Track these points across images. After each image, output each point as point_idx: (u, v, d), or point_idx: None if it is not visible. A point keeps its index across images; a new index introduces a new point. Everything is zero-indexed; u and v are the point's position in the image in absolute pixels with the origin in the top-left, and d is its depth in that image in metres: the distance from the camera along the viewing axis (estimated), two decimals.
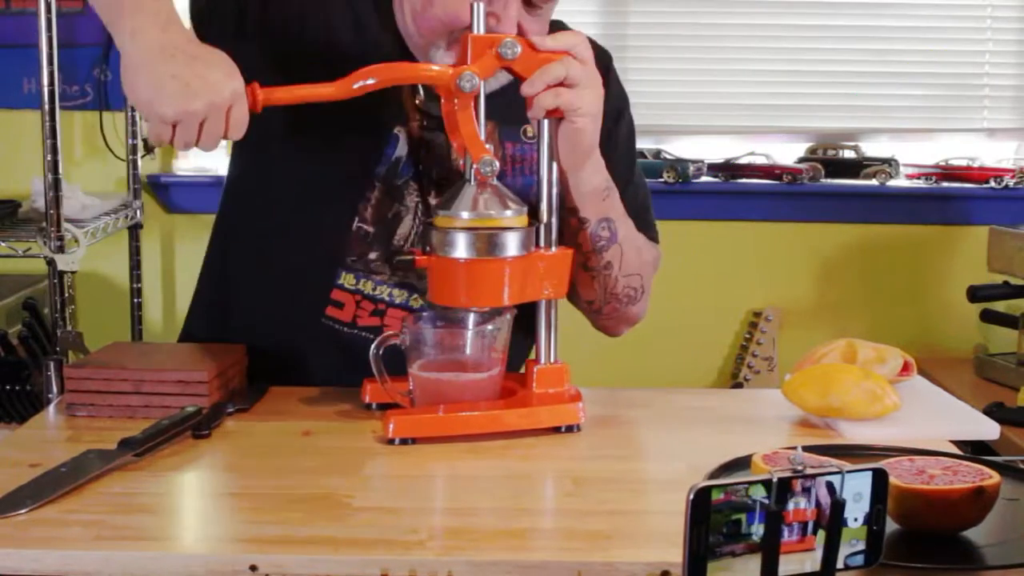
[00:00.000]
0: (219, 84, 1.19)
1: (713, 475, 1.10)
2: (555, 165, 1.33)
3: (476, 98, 1.29)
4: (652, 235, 1.59)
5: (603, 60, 1.49)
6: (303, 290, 1.47)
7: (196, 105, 1.17)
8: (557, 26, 1.50)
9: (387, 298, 1.46)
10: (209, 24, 1.41)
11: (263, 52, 1.40)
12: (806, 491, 0.82)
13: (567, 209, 1.39)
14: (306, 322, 1.47)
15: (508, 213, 1.28)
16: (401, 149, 1.46)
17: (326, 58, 1.39)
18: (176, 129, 1.19)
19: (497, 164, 1.28)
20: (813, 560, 0.83)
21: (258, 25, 1.43)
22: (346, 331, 1.47)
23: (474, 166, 1.28)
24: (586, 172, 1.38)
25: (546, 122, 1.32)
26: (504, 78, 1.42)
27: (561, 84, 1.29)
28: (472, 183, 1.29)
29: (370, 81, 1.27)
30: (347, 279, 1.47)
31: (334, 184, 1.31)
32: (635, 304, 1.52)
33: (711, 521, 0.79)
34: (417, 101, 1.46)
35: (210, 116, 1.19)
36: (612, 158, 1.45)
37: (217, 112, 1.19)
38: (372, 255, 1.46)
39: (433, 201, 1.45)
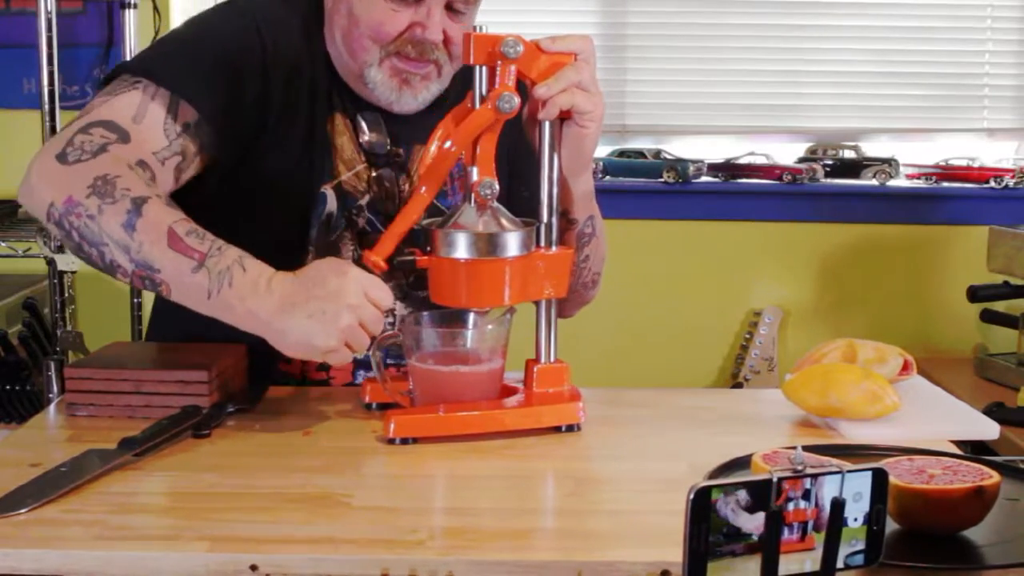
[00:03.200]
0: (342, 288, 1.21)
1: (713, 475, 1.10)
2: (556, 166, 1.33)
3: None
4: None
5: None
6: (255, 346, 1.35)
7: (344, 319, 1.20)
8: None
9: None
10: (230, 123, 1.40)
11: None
12: (806, 491, 0.82)
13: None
14: (262, 375, 1.47)
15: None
16: (330, 205, 1.48)
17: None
18: (349, 345, 1.22)
19: (497, 187, 1.29)
20: (813, 560, 0.83)
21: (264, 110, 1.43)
22: (292, 384, 1.51)
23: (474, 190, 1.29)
24: (585, 176, 1.41)
25: (547, 125, 1.32)
26: (431, 96, 1.48)
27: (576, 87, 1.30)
28: (471, 204, 1.30)
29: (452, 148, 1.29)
30: None
31: (267, 257, 1.25)
32: (596, 288, 1.58)
33: (711, 521, 0.79)
34: (363, 141, 1.48)
35: (358, 313, 1.21)
36: None
37: (361, 307, 1.21)
38: None
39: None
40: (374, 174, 1.50)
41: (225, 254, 1.23)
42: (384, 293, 1.24)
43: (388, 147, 1.50)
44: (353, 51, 1.45)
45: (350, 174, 1.49)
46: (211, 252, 1.23)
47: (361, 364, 1.32)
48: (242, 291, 1.22)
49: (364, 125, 1.49)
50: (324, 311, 1.20)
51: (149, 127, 1.34)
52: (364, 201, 1.50)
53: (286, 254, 1.34)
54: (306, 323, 1.20)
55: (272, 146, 1.44)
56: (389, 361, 1.44)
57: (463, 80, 1.51)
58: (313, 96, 1.46)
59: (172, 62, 1.40)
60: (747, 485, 0.80)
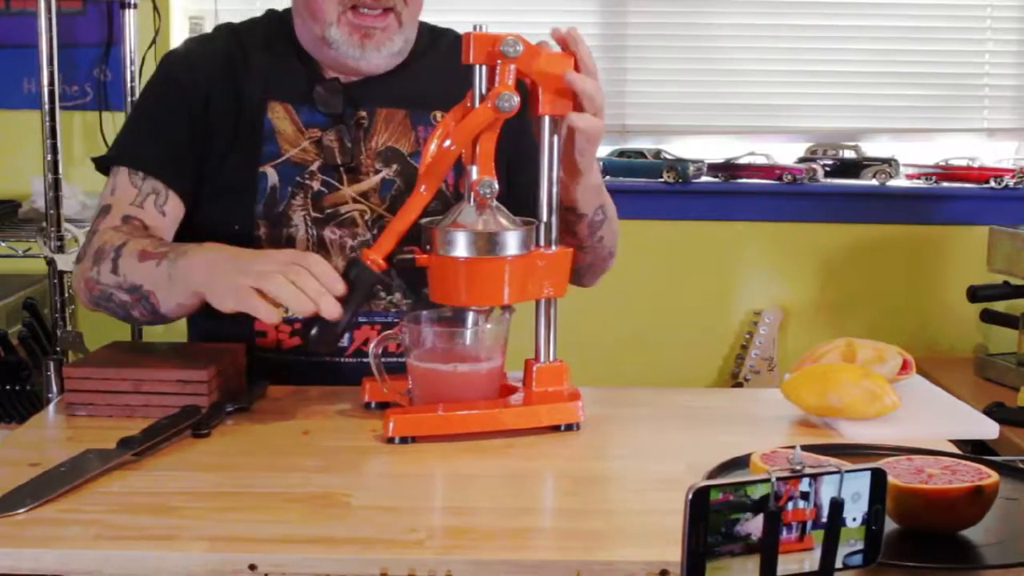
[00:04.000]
0: (273, 251, 1.35)
1: (712, 475, 1.10)
2: (555, 166, 1.33)
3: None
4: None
5: None
6: (231, 327, 1.50)
7: (261, 264, 1.28)
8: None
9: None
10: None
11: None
12: (805, 491, 0.82)
13: (565, 209, 1.41)
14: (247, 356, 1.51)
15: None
16: (272, 180, 1.56)
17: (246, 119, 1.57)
18: (261, 289, 1.26)
19: (496, 185, 1.29)
20: (812, 560, 0.83)
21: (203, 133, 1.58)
22: (273, 357, 1.55)
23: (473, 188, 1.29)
24: (593, 170, 1.44)
25: (547, 122, 1.32)
26: (396, 48, 1.56)
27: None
28: (471, 204, 1.30)
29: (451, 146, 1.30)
30: None
31: (225, 240, 1.40)
32: (612, 258, 1.63)
33: (710, 521, 0.79)
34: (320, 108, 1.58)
35: (283, 268, 1.26)
36: None
37: (287, 266, 1.27)
38: None
39: (350, 190, 1.58)
40: (318, 140, 1.57)
41: (185, 246, 1.40)
42: (313, 258, 1.28)
43: (342, 111, 1.57)
44: (314, 14, 1.54)
45: (296, 150, 1.57)
46: (172, 249, 1.40)
47: (347, 327, 1.32)
48: (190, 261, 1.36)
49: (323, 93, 1.57)
50: (248, 260, 1.31)
51: (122, 190, 1.55)
52: (315, 166, 1.57)
53: (239, 235, 1.52)
54: (232, 268, 1.30)
55: (214, 155, 1.57)
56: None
57: (430, 39, 1.65)
58: (240, 97, 1.57)
59: (120, 142, 1.64)
60: (746, 485, 0.80)
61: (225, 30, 1.67)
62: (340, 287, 1.27)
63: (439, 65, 1.62)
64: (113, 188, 1.56)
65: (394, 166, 1.59)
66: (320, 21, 1.54)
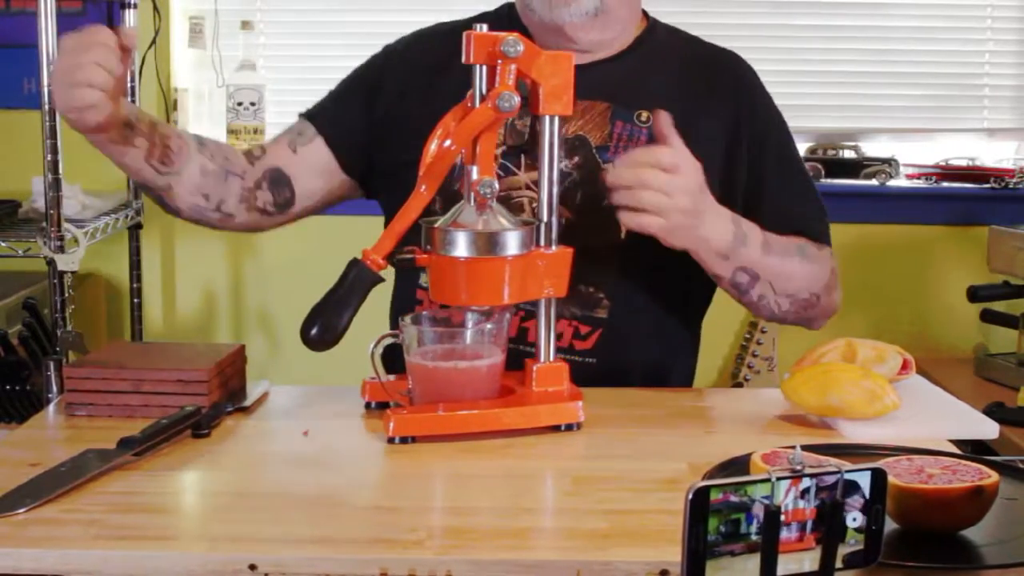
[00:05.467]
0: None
1: (712, 474, 1.10)
2: (556, 166, 1.33)
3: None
4: (815, 236, 1.62)
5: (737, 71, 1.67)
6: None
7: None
8: None
9: None
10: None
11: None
12: (805, 491, 0.82)
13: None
14: None
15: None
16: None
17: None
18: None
19: (496, 186, 1.29)
20: (812, 559, 0.83)
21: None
22: None
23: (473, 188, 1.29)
24: (699, 244, 1.43)
25: (547, 122, 1.32)
26: (589, 6, 1.55)
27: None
28: (471, 204, 1.30)
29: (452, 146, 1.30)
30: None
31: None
32: (815, 308, 1.60)
33: (710, 521, 0.79)
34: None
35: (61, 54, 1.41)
36: (763, 187, 1.60)
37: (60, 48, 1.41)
38: None
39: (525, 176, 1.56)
40: (510, 122, 1.56)
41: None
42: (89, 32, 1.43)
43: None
44: None
45: None
46: None
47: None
48: None
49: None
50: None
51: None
52: (499, 150, 1.55)
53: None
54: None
55: (403, 128, 1.59)
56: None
57: (648, 29, 1.67)
58: (444, 74, 1.57)
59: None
60: (746, 485, 0.80)
61: (437, 25, 1.71)
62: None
63: (658, 62, 1.63)
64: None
65: (576, 158, 1.55)
66: None
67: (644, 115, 1.57)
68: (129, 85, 2.71)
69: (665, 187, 1.34)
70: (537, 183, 1.46)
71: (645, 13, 1.70)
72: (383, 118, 1.64)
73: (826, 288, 1.60)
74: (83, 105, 1.36)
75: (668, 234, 1.37)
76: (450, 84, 1.48)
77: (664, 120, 1.36)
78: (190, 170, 1.56)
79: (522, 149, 1.56)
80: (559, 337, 1.53)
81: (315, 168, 1.64)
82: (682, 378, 1.68)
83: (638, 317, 1.58)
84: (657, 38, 1.67)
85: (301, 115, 1.68)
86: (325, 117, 1.66)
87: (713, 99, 1.61)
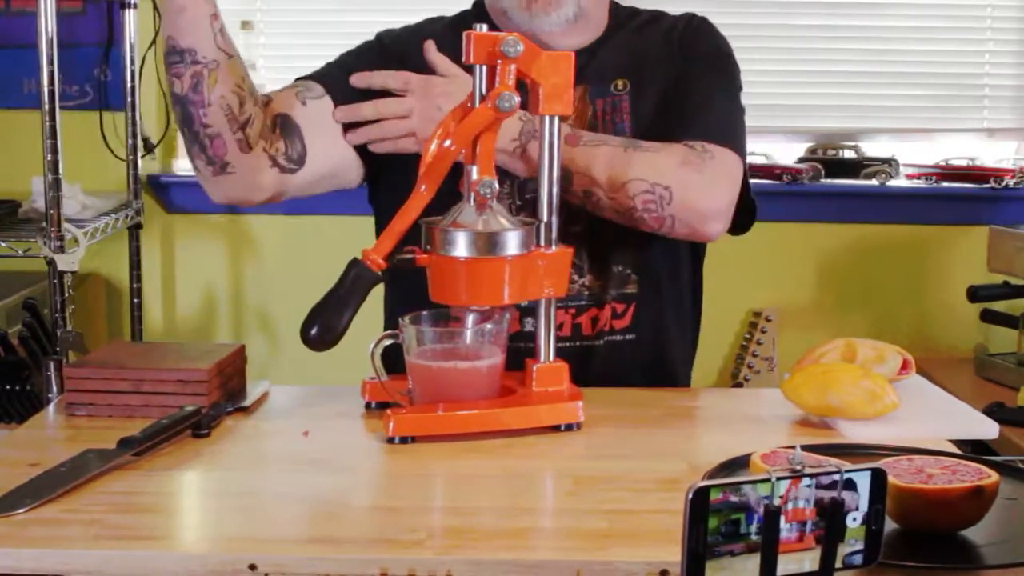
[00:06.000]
0: None
1: (712, 474, 1.10)
2: (556, 166, 1.33)
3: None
4: (692, 136, 1.53)
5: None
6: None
7: None
8: None
9: None
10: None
11: None
12: (805, 491, 0.82)
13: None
14: None
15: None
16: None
17: None
18: None
19: (496, 186, 1.29)
20: (812, 559, 0.83)
21: None
22: None
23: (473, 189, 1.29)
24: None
25: (547, 119, 1.32)
26: (568, 14, 1.56)
27: None
28: (471, 204, 1.30)
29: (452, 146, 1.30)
30: None
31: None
32: (670, 204, 1.47)
33: (710, 521, 0.79)
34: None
35: None
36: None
37: None
38: None
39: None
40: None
41: None
42: None
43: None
44: None
45: None
46: None
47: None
48: None
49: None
50: None
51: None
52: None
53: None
54: None
55: None
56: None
57: (622, 17, 1.67)
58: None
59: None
60: (746, 485, 0.80)
61: (426, 21, 1.71)
62: None
63: (626, 40, 1.64)
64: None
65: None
66: None
67: (620, 83, 1.59)
68: (129, 85, 2.71)
69: (401, 111, 1.42)
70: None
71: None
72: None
73: (679, 180, 1.47)
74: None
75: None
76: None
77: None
78: (236, 62, 1.47)
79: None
80: (596, 321, 1.57)
81: (325, 125, 1.54)
82: (690, 355, 1.73)
83: (661, 286, 1.62)
84: (623, 22, 1.68)
85: (301, 78, 1.60)
86: (333, 79, 1.58)
87: (669, 52, 1.63)
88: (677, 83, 1.60)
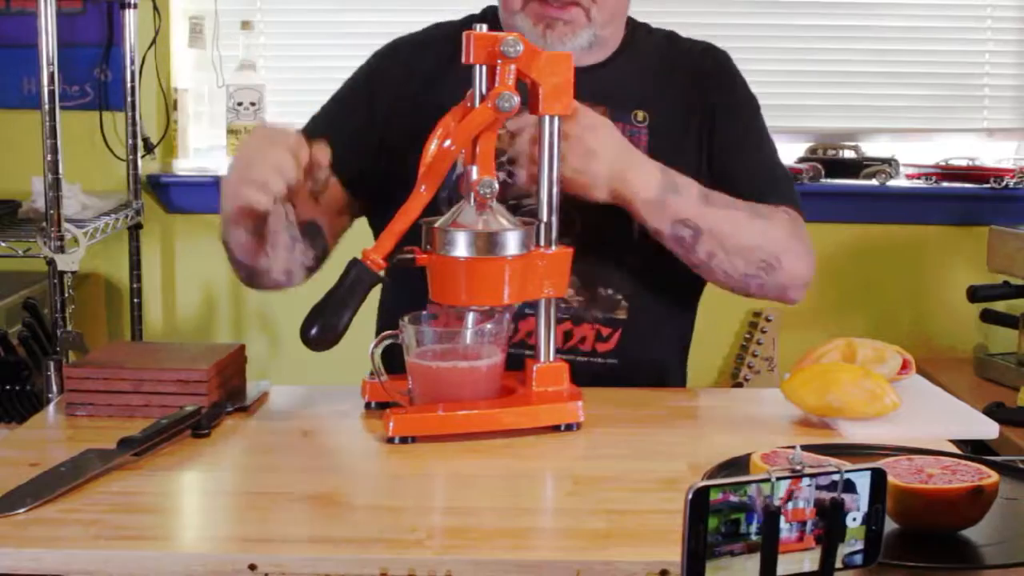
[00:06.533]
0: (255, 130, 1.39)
1: (712, 474, 1.10)
2: (556, 166, 1.33)
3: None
4: (777, 200, 1.61)
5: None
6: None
7: (243, 149, 1.34)
8: None
9: None
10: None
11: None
12: (805, 491, 0.82)
13: (644, 229, 1.46)
14: None
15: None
16: (458, 167, 1.48)
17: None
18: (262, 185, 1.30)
19: (496, 186, 1.29)
20: (812, 559, 0.83)
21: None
22: None
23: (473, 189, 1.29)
24: (627, 188, 1.44)
25: (546, 122, 1.32)
26: (582, 42, 1.56)
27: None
28: (471, 204, 1.30)
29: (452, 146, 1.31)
30: None
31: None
32: (776, 272, 1.53)
33: (710, 521, 0.79)
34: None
35: (254, 151, 1.32)
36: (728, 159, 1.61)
37: (255, 145, 1.32)
38: None
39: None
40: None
41: None
42: (280, 131, 1.33)
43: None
44: (504, 4, 1.59)
45: None
46: None
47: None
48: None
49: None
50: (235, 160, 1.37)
51: None
52: (504, 157, 1.51)
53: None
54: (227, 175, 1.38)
55: (402, 141, 1.54)
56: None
57: (638, 33, 1.69)
58: (439, 90, 1.54)
59: (313, 118, 1.69)
60: (746, 485, 0.80)
61: (433, 27, 1.70)
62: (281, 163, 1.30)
63: (644, 63, 1.64)
64: None
65: None
66: (508, 10, 1.57)
67: (640, 115, 1.58)
68: (129, 85, 2.71)
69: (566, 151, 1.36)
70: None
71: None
72: (380, 142, 1.61)
73: (788, 250, 1.55)
74: (246, 205, 1.32)
75: (592, 188, 1.39)
76: (439, 93, 1.51)
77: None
78: (280, 252, 1.51)
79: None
80: (583, 341, 1.54)
81: (336, 209, 1.59)
82: (680, 374, 1.71)
83: (651, 315, 1.59)
84: (640, 39, 1.69)
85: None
86: (334, 154, 1.56)
87: (694, 91, 1.63)
88: (726, 134, 1.62)
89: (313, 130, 1.61)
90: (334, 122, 1.64)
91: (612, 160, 1.42)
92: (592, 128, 1.41)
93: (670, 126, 1.60)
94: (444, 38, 1.63)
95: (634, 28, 1.69)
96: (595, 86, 1.56)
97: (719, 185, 1.55)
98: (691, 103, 1.63)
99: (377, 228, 1.67)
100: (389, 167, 1.59)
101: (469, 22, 1.64)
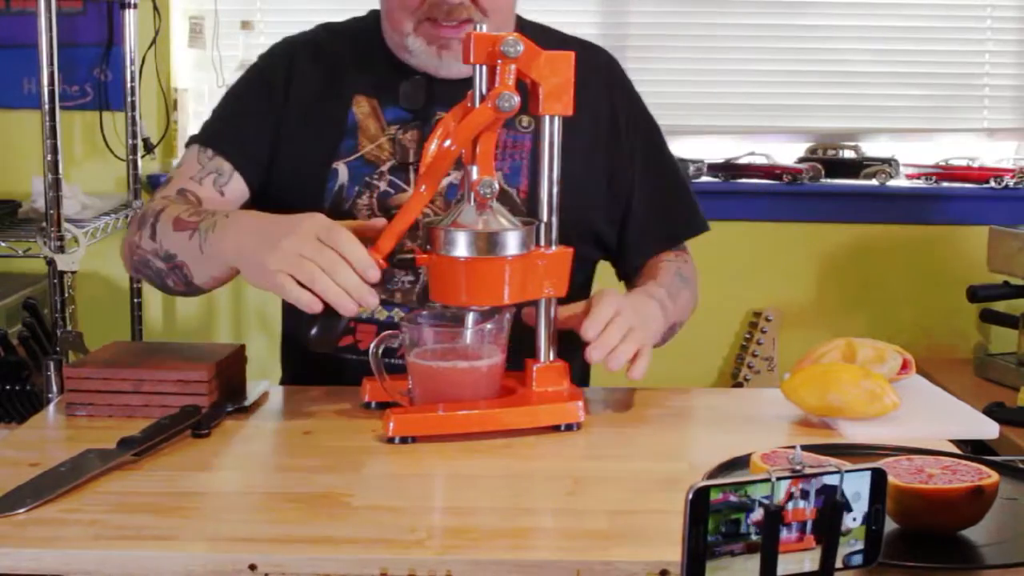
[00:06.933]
0: (298, 223, 1.27)
1: (712, 474, 1.10)
2: (556, 166, 1.33)
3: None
4: (686, 235, 1.73)
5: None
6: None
7: (288, 244, 1.25)
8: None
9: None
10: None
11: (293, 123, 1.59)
12: (805, 491, 0.82)
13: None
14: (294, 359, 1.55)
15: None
16: (342, 178, 1.55)
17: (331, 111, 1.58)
18: (292, 275, 1.25)
19: (497, 186, 1.29)
20: (812, 559, 0.83)
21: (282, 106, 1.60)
22: (332, 356, 1.53)
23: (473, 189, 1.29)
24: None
25: (546, 122, 1.32)
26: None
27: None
28: (471, 204, 1.30)
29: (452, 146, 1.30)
30: None
31: None
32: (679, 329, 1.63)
33: (710, 521, 0.79)
34: (402, 104, 1.57)
35: (307, 248, 1.25)
36: (636, 189, 1.63)
37: (311, 244, 1.25)
38: None
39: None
40: (393, 136, 1.56)
41: (216, 215, 1.38)
42: (344, 238, 1.25)
43: (422, 106, 1.57)
44: (393, 23, 1.56)
45: (372, 146, 1.57)
46: (204, 218, 1.39)
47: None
48: (222, 233, 1.35)
49: (408, 89, 1.57)
50: (273, 237, 1.27)
51: (187, 165, 1.58)
52: (386, 167, 1.56)
53: None
54: (258, 246, 1.28)
55: (292, 143, 1.58)
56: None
57: (521, 31, 1.60)
58: (326, 89, 1.59)
59: (204, 124, 1.65)
60: (746, 485, 0.80)
61: (321, 27, 1.69)
62: (375, 273, 1.25)
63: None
64: (180, 163, 1.60)
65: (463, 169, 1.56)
66: (400, 33, 1.55)
67: (525, 120, 1.58)
68: (129, 85, 2.71)
69: (629, 328, 1.36)
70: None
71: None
72: (281, 135, 1.59)
73: (687, 307, 1.65)
74: (283, 295, 1.27)
75: (648, 356, 1.38)
76: (330, 92, 1.56)
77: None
78: None
79: (410, 165, 1.56)
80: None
81: (239, 203, 1.57)
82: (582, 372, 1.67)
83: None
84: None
85: (202, 142, 1.58)
86: (236, 148, 1.57)
87: (589, 92, 1.57)
88: (633, 148, 1.64)
89: (215, 133, 1.59)
90: (236, 123, 1.61)
91: (653, 333, 1.45)
92: (636, 315, 1.40)
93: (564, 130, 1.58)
94: (332, 38, 1.64)
95: (521, 28, 1.65)
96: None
97: (630, 215, 1.61)
98: (586, 103, 1.54)
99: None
100: (284, 164, 1.58)
101: (353, 24, 1.67)
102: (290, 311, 1.66)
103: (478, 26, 1.46)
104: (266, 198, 1.57)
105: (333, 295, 1.24)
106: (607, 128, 1.63)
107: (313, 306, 1.25)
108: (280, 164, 1.58)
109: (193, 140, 1.60)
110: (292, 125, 1.58)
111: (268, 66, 1.63)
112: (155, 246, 1.43)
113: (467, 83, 1.45)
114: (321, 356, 1.47)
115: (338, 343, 1.40)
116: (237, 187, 1.56)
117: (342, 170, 1.56)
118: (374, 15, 1.66)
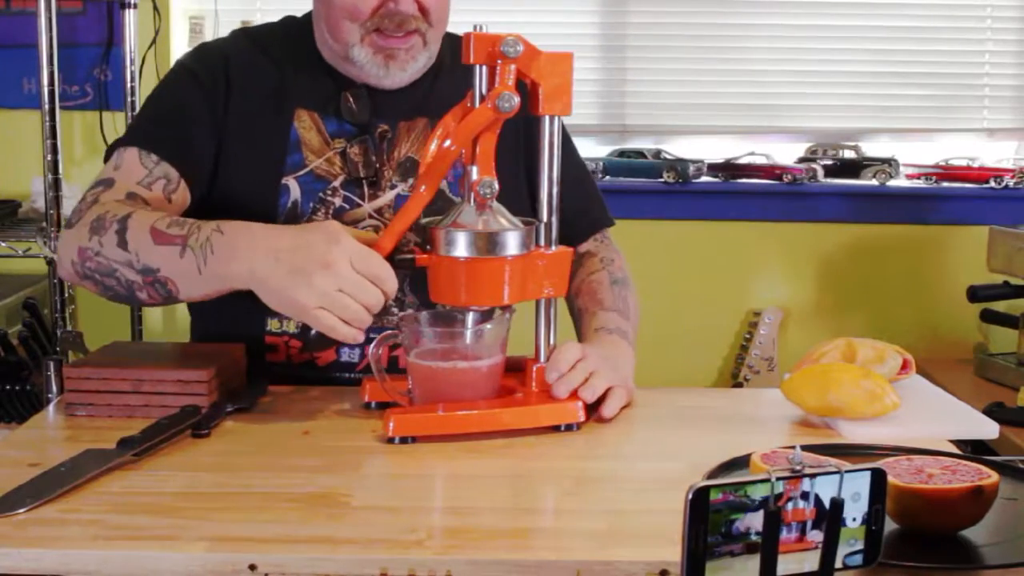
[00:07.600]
0: (328, 253, 1.23)
1: (712, 474, 1.10)
2: (556, 166, 1.33)
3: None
4: (604, 225, 1.73)
5: None
6: (241, 340, 1.50)
7: (321, 281, 1.22)
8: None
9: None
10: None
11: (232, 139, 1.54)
12: (805, 491, 0.82)
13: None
14: (253, 368, 1.50)
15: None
16: (294, 194, 1.53)
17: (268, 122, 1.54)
18: (346, 319, 1.23)
19: (496, 185, 1.29)
20: (812, 560, 0.83)
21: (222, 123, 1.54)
22: (285, 373, 1.53)
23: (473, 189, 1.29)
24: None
25: (546, 122, 1.32)
26: (420, 67, 1.54)
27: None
28: (471, 204, 1.30)
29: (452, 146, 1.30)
30: (272, 324, 1.53)
31: None
32: None
33: (710, 521, 0.79)
34: (347, 116, 1.55)
35: (341, 281, 1.22)
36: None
37: (346, 276, 1.22)
38: None
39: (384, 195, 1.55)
40: (343, 151, 1.55)
41: (203, 228, 1.31)
42: (377, 264, 1.25)
43: (368, 120, 1.55)
44: (335, 34, 1.52)
45: (320, 160, 1.54)
46: (190, 232, 1.31)
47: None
48: (227, 253, 1.28)
49: (351, 101, 1.55)
50: (305, 269, 1.23)
51: (129, 168, 1.48)
52: (338, 182, 1.55)
53: None
54: (287, 278, 1.23)
55: (233, 160, 1.53)
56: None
57: (451, 48, 1.61)
58: (264, 102, 1.55)
59: (134, 127, 1.62)
60: (746, 485, 0.80)
61: (241, 34, 1.63)
62: (373, 301, 1.25)
63: (453, 71, 1.59)
64: (118, 165, 1.48)
65: (411, 180, 1.55)
66: (343, 42, 1.51)
67: None
68: (129, 85, 2.71)
69: (594, 369, 1.35)
70: (380, 212, 1.53)
71: None
72: (223, 149, 1.54)
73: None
74: (319, 328, 1.25)
75: (620, 397, 1.37)
76: (253, 97, 1.53)
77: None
78: None
79: (362, 179, 1.54)
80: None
81: (182, 211, 1.50)
82: None
83: None
84: (454, 48, 1.59)
85: (142, 145, 1.49)
86: (182, 156, 1.50)
87: None
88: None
89: (158, 138, 1.50)
90: (180, 131, 1.52)
91: (624, 376, 1.43)
92: (603, 360, 1.40)
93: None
94: (262, 47, 1.58)
95: (451, 40, 1.62)
96: (419, 100, 1.57)
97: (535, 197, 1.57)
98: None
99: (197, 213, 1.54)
100: (230, 178, 1.54)
101: (277, 31, 1.62)
102: (199, 313, 1.64)
103: (426, 35, 1.51)
104: (210, 208, 1.49)
105: (363, 321, 1.24)
106: (519, 129, 1.58)
107: (358, 337, 1.25)
108: (226, 178, 1.53)
109: (130, 142, 1.50)
110: (234, 139, 1.53)
111: (203, 72, 1.54)
112: (128, 256, 1.32)
113: (407, 93, 1.46)
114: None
115: (335, 345, 1.40)
116: (183, 195, 1.49)
117: (293, 186, 1.53)
118: (293, 21, 1.63)
